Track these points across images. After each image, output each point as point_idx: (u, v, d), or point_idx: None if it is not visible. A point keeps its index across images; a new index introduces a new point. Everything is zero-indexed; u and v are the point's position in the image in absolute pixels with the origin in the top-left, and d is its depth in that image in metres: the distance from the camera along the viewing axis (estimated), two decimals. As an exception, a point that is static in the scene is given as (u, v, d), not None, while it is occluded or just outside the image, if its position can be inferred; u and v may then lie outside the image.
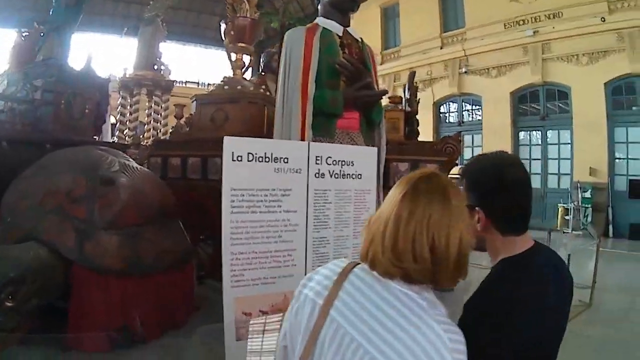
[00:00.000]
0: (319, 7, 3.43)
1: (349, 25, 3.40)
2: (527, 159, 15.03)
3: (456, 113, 17.52)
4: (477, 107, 16.59)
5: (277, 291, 2.25)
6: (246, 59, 6.60)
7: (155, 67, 14.16)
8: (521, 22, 14.75)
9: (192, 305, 4.34)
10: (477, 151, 16.31)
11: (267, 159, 2.26)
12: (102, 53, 31.71)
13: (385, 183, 5.70)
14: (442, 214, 1.20)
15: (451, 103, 17.68)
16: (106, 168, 4.18)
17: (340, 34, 3.30)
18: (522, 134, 15.31)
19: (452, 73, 16.76)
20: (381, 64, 19.89)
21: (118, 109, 13.54)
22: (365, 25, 21.10)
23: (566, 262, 5.17)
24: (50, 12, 8.62)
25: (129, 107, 13.42)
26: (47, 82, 7.70)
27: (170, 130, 8.10)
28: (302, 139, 3.01)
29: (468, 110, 17.13)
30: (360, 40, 3.47)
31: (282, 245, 2.28)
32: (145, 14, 14.81)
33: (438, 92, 17.50)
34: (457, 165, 6.94)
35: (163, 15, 14.77)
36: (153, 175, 4.99)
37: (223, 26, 6.75)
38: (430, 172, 1.37)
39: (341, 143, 3.10)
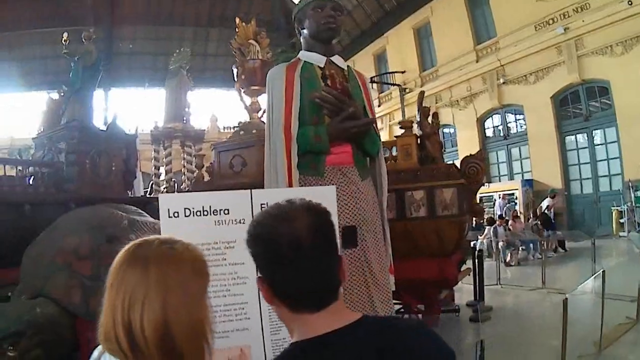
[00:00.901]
0: (301, 40, 3.30)
1: (333, 55, 3.19)
2: (576, 164, 14.37)
3: (501, 126, 16.92)
4: (521, 116, 15.97)
5: (233, 345, 2.16)
6: (262, 100, 6.47)
7: (184, 118, 14.38)
8: (551, 21, 14.24)
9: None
10: (526, 164, 15.65)
11: (205, 213, 2.20)
12: (132, 107, 33.42)
13: (402, 215, 5.43)
14: (136, 284, 0.99)
15: (494, 116, 17.12)
16: (113, 225, 4.27)
17: (322, 65, 3.11)
18: (567, 139, 14.58)
19: (491, 85, 16.25)
20: (421, 86, 19.61)
21: (152, 162, 13.81)
22: (401, 50, 20.99)
23: (597, 277, 4.75)
24: (70, 76, 8.93)
25: (163, 159, 13.65)
26: (70, 144, 8.00)
27: (193, 180, 8.08)
28: (289, 181, 2.89)
29: (512, 122, 16.52)
30: (347, 68, 3.25)
31: (231, 299, 2.20)
32: (169, 66, 15.22)
33: (480, 107, 17.03)
34: (484, 185, 6.51)
35: (188, 64, 15.10)
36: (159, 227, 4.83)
37: (235, 70, 6.73)
38: (157, 238, 1.20)
39: (332, 180, 2.90)
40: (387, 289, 2.93)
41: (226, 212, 2.22)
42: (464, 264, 6.49)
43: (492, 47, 16.50)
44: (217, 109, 31.74)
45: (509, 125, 16.63)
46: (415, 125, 6.07)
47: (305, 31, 3.20)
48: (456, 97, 18.05)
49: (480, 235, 11.97)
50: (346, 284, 2.69)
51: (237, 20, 6.96)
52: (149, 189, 13.81)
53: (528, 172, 15.60)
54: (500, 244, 10.42)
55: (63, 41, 9.87)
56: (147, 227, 4.50)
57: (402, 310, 5.69)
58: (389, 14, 21.85)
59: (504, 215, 13.47)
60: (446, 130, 19.25)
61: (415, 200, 5.36)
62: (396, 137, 5.96)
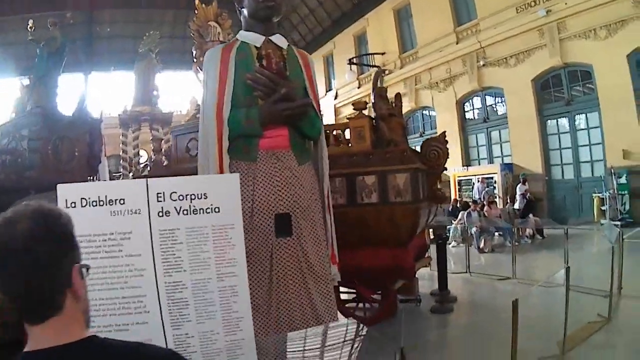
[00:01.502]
0: (241, 20, 3.11)
1: (273, 34, 3.02)
2: (557, 149, 14.09)
3: (480, 109, 16.65)
4: (501, 99, 15.71)
5: (133, 338, 1.89)
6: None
7: (153, 101, 14.12)
8: (533, 4, 13.91)
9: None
10: (506, 148, 15.42)
11: (101, 203, 2.09)
12: (112, 90, 32.98)
13: (353, 201, 5.17)
14: None
15: (475, 99, 16.83)
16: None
17: (259, 45, 2.96)
18: (549, 123, 14.30)
19: (471, 68, 15.95)
20: (401, 68, 19.36)
21: (120, 146, 13.58)
22: (381, 31, 20.67)
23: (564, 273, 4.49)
24: (36, 62, 9.00)
25: (131, 142, 13.40)
26: (32, 131, 8.03)
27: (150, 164, 7.86)
28: (220, 166, 2.77)
29: (492, 105, 16.24)
30: (287, 47, 3.06)
31: (129, 292, 2.10)
32: (138, 49, 14.96)
33: (459, 89, 16.75)
34: (444, 171, 6.23)
35: (157, 48, 14.84)
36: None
37: (193, 52, 6.57)
38: None
39: (265, 165, 2.78)
40: (326, 280, 2.81)
41: (122, 202, 2.12)
42: (427, 251, 6.27)
43: (473, 29, 16.17)
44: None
45: (488, 108, 16.38)
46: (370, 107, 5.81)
47: (244, 10, 3.04)
48: (436, 79, 17.76)
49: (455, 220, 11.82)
50: (280, 275, 2.65)
51: (197, 1, 6.69)
52: (120, 174, 13.64)
53: (508, 156, 15.40)
54: (474, 229, 10.13)
55: (29, 28, 9.83)
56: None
57: (356, 299, 5.48)
58: (369, -6, 21.46)
59: (482, 199, 13.30)
60: (425, 112, 19.04)
61: (366, 186, 5.11)
62: (348, 118, 5.67)
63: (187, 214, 2.15)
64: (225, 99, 2.84)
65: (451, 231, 11.20)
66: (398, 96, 6.44)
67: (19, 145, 8.46)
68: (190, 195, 2.17)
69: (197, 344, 2.09)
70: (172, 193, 2.16)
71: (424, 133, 18.90)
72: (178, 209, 2.15)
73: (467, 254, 8.20)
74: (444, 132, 6.17)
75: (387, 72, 19.88)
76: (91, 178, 9.02)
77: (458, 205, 13.47)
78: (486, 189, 14.34)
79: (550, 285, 5.89)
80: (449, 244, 11.45)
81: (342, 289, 5.48)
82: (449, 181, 16.59)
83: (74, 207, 2.07)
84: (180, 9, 26.00)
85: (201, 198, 2.18)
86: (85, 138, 8.77)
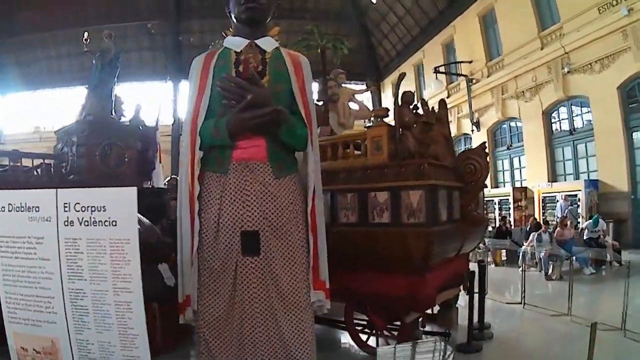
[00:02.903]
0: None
1: (259, 37, 2.88)
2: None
3: (566, 120, 15.27)
4: (588, 110, 14.30)
5: (45, 335, 2.33)
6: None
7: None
8: (614, 2, 12.52)
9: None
10: (592, 162, 13.99)
11: (22, 209, 2.34)
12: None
13: (364, 220, 4.56)
14: None
15: (561, 109, 15.46)
16: None
17: (239, 50, 2.83)
18: (635, 135, 12.79)
19: (556, 75, 14.67)
20: (488, 76, 18.38)
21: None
22: (468, 38, 19.75)
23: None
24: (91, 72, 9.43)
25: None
26: (80, 137, 8.63)
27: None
28: (191, 177, 2.69)
29: (578, 115, 14.84)
30: (273, 50, 2.87)
31: (41, 292, 2.31)
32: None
33: (545, 99, 15.48)
34: (485, 188, 5.47)
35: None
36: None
37: None
38: None
39: (236, 177, 2.62)
40: (298, 308, 2.59)
41: (37, 209, 2.31)
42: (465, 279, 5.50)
43: (557, 33, 14.89)
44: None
45: (575, 118, 14.96)
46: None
47: (232, 14, 2.94)
48: (522, 88, 16.57)
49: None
50: (244, 297, 2.54)
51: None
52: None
53: (594, 171, 13.94)
54: (542, 253, 9.02)
55: (84, 40, 10.37)
56: None
57: (366, 329, 4.88)
58: (454, 1, 20.74)
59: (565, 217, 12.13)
60: (512, 124, 17.84)
61: (378, 203, 4.49)
62: (366, 127, 5.06)
63: (87, 225, 2.27)
64: (200, 109, 2.73)
65: (521, 254, 10.12)
66: (442, 103, 5.82)
67: (69, 151, 9.04)
68: (91, 207, 2.27)
69: (97, 353, 2.21)
70: (76, 204, 2.29)
71: (511, 146, 17.86)
72: (80, 220, 2.27)
73: (523, 282, 7.20)
74: (484, 142, 5.45)
75: (474, 81, 19.08)
76: (149, 183, 9.41)
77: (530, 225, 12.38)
78: (569, 207, 13.07)
79: (609, 328, 5.12)
80: (519, 267, 10.52)
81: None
82: (533, 198, 15.41)
83: (3, 211, 2.35)
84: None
85: (100, 211, 2.26)
86: (137, 145, 9.02)
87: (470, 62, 19.69)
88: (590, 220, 11.18)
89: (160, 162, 10.22)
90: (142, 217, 5.15)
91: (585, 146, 14.36)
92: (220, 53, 2.85)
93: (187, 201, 2.70)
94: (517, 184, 17.30)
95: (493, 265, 11.66)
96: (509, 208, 16.35)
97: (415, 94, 16.81)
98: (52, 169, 9.30)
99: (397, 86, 5.03)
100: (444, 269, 4.82)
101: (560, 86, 14.58)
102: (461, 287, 5.57)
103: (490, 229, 14.68)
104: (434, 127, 5.40)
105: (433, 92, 22.46)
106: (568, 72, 14.20)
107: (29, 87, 29.20)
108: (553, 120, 15.83)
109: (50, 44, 27.63)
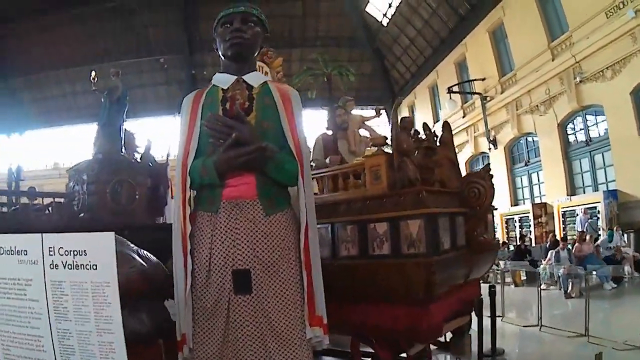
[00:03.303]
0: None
1: (247, 72, 2.89)
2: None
3: (582, 131, 14.96)
4: (602, 118, 14.00)
5: None
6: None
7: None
8: (621, 5, 12.35)
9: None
10: (610, 172, 13.66)
11: (12, 252, 2.40)
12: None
13: (364, 252, 4.46)
14: None
15: (576, 120, 15.17)
16: None
17: (226, 87, 2.84)
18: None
19: (569, 86, 14.44)
20: (502, 93, 18.21)
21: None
22: (480, 56, 19.63)
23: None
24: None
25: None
26: (90, 175, 8.48)
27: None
28: (182, 216, 2.72)
29: (593, 125, 14.52)
30: (260, 85, 2.87)
31: (31, 331, 2.38)
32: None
33: (560, 111, 15.23)
34: (493, 211, 5.32)
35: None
36: (130, 261, 4.48)
37: None
38: None
39: (226, 216, 2.63)
40: (293, 345, 2.56)
41: (25, 252, 2.37)
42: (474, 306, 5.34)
43: (566, 43, 14.70)
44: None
45: (590, 129, 14.66)
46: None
47: (220, 52, 2.94)
48: (535, 102, 16.36)
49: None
50: (237, 335, 2.55)
51: None
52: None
53: (613, 181, 13.57)
54: (560, 271, 8.72)
55: (91, 79, 10.56)
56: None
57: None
58: (464, 19, 20.69)
59: (585, 233, 11.85)
60: (529, 139, 17.58)
61: (378, 235, 4.38)
62: (364, 157, 4.96)
63: (71, 268, 2.31)
64: (190, 148, 2.75)
65: (540, 272, 9.82)
66: (446, 125, 5.70)
67: (80, 189, 9.19)
68: (73, 251, 2.31)
69: None
70: (60, 248, 2.33)
71: (528, 162, 17.55)
72: (64, 263, 2.32)
73: (539, 303, 6.94)
74: (488, 164, 5.33)
75: (488, 98, 18.88)
76: (161, 219, 9.48)
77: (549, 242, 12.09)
78: (589, 220, 12.76)
79: (629, 347, 5.01)
80: (540, 286, 10.27)
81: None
82: (552, 213, 15.10)
83: (-3, 255, 2.42)
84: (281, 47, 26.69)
85: (82, 255, 2.30)
86: (148, 181, 9.08)
87: (484, 79, 19.55)
88: (606, 236, 10.89)
89: (172, 197, 10.24)
90: (148, 254, 5.14)
91: (603, 156, 14.06)
92: (208, 91, 2.87)
93: (180, 241, 2.73)
94: (537, 200, 16.97)
95: (513, 286, 11.41)
96: (530, 225, 16.06)
97: (432, 115, 16.76)
98: (61, 207, 9.46)
99: (394, 112, 4.98)
100: (451, 297, 4.67)
101: (573, 97, 14.36)
102: (472, 313, 5.43)
103: (511, 248, 14.48)
104: (438, 151, 5.34)
105: (448, 112, 22.35)
106: (580, 81, 13.99)
107: (47, 124, 29.82)
108: (569, 132, 15.58)
109: (64, 81, 28.19)
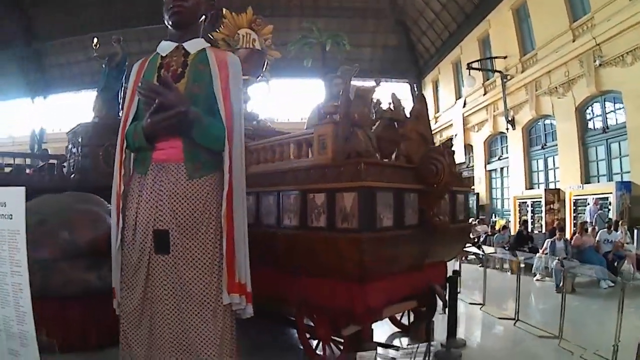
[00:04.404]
0: None
1: (188, 40, 2.98)
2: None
3: (600, 117, 14.17)
4: (621, 106, 13.17)
5: None
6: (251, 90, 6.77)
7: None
8: None
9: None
10: (625, 163, 12.97)
11: None
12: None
13: (303, 223, 4.18)
14: None
15: (595, 105, 14.38)
16: (46, 210, 5.04)
17: (165, 54, 2.97)
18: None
19: (588, 69, 13.65)
20: (522, 72, 17.51)
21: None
22: (503, 33, 18.92)
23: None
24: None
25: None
26: (84, 138, 9.39)
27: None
28: (118, 176, 2.90)
29: (611, 112, 13.72)
30: (197, 51, 2.96)
31: None
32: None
33: (578, 94, 14.44)
34: (446, 192, 4.83)
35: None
36: (102, 221, 5.18)
37: None
38: None
39: (152, 178, 2.77)
40: (203, 305, 2.65)
41: None
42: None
43: (588, 24, 13.89)
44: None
45: (608, 116, 13.84)
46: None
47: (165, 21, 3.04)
48: (555, 83, 15.55)
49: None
50: (154, 293, 2.67)
51: (225, 11, 6.62)
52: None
53: (628, 172, 12.85)
54: (554, 263, 8.18)
55: (93, 45, 10.74)
56: (79, 212, 5.14)
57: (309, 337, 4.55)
58: (488, -6, 19.88)
59: (593, 224, 11.32)
60: (547, 122, 16.88)
61: (316, 206, 4.15)
62: (314, 125, 4.62)
63: None
64: (130, 112, 2.91)
65: (534, 262, 9.28)
66: (421, 98, 5.36)
67: (76, 151, 9.45)
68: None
69: (2, 325, 2.39)
70: None
71: (545, 145, 16.82)
72: None
73: (517, 297, 6.41)
74: (450, 138, 4.97)
75: (508, 77, 18.25)
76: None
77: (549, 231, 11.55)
78: (599, 212, 12.17)
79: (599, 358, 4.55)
80: (534, 277, 9.83)
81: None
82: (564, 200, 14.50)
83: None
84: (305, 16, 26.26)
85: (3, 206, 2.45)
86: None
87: (505, 57, 18.81)
88: (604, 229, 10.27)
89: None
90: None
91: (619, 145, 13.32)
92: (151, 58, 3.01)
93: (115, 200, 2.90)
94: (552, 186, 16.31)
95: (509, 273, 10.99)
96: (541, 211, 15.49)
97: (455, 91, 16.23)
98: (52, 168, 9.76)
99: (347, 80, 4.62)
100: (397, 278, 4.37)
101: (592, 80, 13.59)
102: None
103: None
104: (407, 124, 4.98)
105: (468, 89, 21.88)
106: (600, 65, 13.20)
107: (72, 88, 29.99)
108: (587, 118, 14.80)
109: (89, 46, 28.27)
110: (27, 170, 9.66)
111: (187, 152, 2.78)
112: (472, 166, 22.53)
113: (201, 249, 2.70)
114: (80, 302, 4.65)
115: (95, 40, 10.66)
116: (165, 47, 2.99)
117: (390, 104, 5.03)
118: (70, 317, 4.61)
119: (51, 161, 9.94)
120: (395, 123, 5.02)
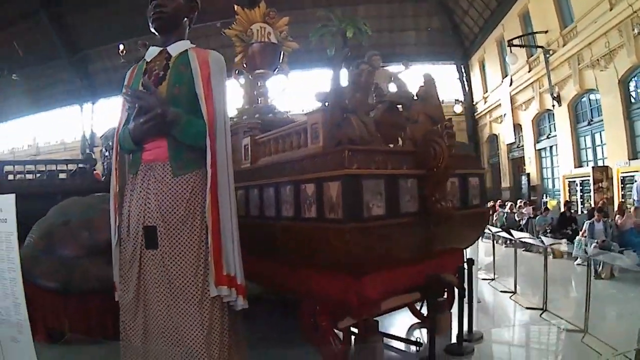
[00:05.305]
0: None
1: (171, 43, 3.14)
2: None
3: (640, 89, 13.32)
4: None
5: None
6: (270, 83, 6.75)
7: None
8: None
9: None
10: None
11: None
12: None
13: (297, 214, 4.07)
14: None
15: (638, 76, 13.58)
16: (72, 210, 5.54)
17: (149, 59, 3.16)
18: None
19: (627, 38, 12.91)
20: (563, 46, 16.77)
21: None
22: (542, 6, 18.17)
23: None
24: None
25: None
26: (114, 141, 9.18)
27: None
28: (115, 177, 3.25)
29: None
30: (178, 54, 3.09)
31: None
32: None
33: (620, 66, 13.67)
34: (447, 176, 4.57)
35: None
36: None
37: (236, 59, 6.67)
38: None
39: (142, 178, 2.98)
40: (187, 298, 2.78)
41: None
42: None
43: (625, -12, 13.12)
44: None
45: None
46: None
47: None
48: (596, 55, 14.83)
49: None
50: (146, 286, 2.85)
51: (236, 7, 6.64)
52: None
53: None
54: (592, 247, 7.67)
55: (120, 52, 10.87)
56: (101, 212, 5.11)
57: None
58: (526, -34, 19.17)
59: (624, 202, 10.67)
60: (592, 97, 16.13)
61: (307, 197, 4.04)
62: (306, 114, 4.48)
63: None
64: (122, 118, 3.19)
65: (575, 246, 8.75)
66: (428, 78, 5.04)
67: (108, 154, 9.73)
68: None
69: (5, 315, 2.52)
70: None
71: (591, 121, 16.07)
72: None
73: (545, 284, 6.08)
74: (449, 119, 4.77)
75: (551, 52, 17.53)
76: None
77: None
78: (646, 188, 11.53)
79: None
80: (574, 261, 9.36)
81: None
82: (612, 178, 13.82)
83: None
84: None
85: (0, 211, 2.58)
86: None
87: (546, 32, 18.08)
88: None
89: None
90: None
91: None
92: (139, 64, 3.21)
93: (112, 200, 3.17)
94: (600, 163, 15.59)
95: (551, 257, 10.54)
96: (590, 190, 14.85)
97: (501, 70, 15.71)
98: (83, 172, 10.01)
99: (338, 63, 4.45)
100: (399, 269, 4.20)
101: (632, 50, 12.83)
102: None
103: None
104: (413, 106, 4.78)
105: (513, 67, 21.32)
106: (639, 33, 12.50)
107: (118, 92, 30.65)
108: (631, 90, 14.01)
109: (133, 50, 28.78)
110: (63, 175, 10.00)
111: (171, 151, 2.95)
112: (522, 146, 21.94)
113: (187, 243, 2.84)
114: (99, 296, 4.79)
115: (122, 47, 10.85)
116: (151, 52, 3.18)
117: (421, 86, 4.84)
118: (90, 310, 4.99)
119: (81, 165, 10.12)
120: (400, 106, 4.83)
